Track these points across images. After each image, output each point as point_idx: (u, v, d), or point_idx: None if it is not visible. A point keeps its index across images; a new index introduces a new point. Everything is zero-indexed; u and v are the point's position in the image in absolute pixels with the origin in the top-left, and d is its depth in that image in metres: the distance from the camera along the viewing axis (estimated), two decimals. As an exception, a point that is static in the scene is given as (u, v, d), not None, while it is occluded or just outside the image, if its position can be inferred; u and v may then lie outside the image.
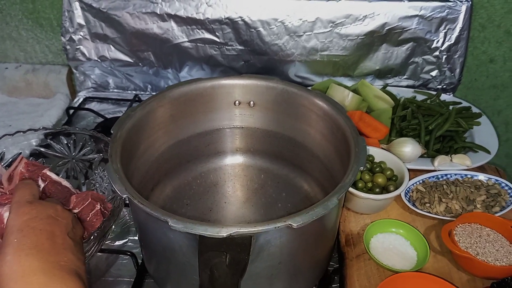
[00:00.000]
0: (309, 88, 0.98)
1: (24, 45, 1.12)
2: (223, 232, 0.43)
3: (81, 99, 1.11)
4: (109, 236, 0.73)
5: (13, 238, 0.43)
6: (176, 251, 0.52)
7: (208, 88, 0.71)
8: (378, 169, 0.74)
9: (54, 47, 1.13)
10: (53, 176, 0.66)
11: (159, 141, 0.69)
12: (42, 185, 0.65)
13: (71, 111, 1.05)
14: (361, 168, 0.54)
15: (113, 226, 0.68)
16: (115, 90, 1.14)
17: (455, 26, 0.95)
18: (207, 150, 0.77)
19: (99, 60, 1.07)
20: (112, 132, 0.59)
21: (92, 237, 0.54)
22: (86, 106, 1.09)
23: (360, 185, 0.72)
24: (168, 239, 0.51)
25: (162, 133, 0.69)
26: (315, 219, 0.46)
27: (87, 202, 0.61)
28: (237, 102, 0.73)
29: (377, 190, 0.71)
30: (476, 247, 0.63)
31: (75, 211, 0.60)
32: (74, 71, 1.11)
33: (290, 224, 0.45)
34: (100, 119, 1.03)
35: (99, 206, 0.62)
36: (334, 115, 0.64)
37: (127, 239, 0.74)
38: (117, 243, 0.74)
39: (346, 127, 0.61)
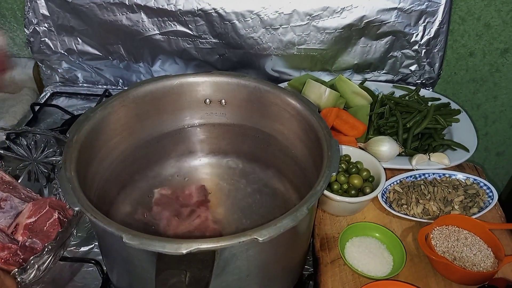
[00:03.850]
0: (286, 83, 0.95)
1: (-14, 37, 1.06)
2: (183, 249, 0.40)
3: (48, 94, 1.05)
4: (72, 243, 0.69)
5: None
6: (136, 265, 0.48)
7: (175, 86, 0.67)
8: (354, 169, 0.71)
9: (19, 39, 1.06)
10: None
11: (123, 143, 0.65)
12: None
13: (37, 108, 1.00)
14: (333, 173, 0.51)
15: (75, 232, 0.65)
16: (85, 85, 1.09)
17: (435, 19, 0.92)
18: (176, 151, 0.73)
19: (66, 54, 1.02)
20: (68, 135, 0.54)
21: (45, 251, 0.50)
22: (54, 102, 1.04)
23: (335, 187, 0.69)
24: (127, 253, 0.47)
25: (127, 134, 0.65)
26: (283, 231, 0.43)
27: (44, 211, 0.57)
28: (207, 100, 0.69)
29: (353, 192, 0.69)
30: (453, 251, 0.61)
31: (31, 220, 0.56)
32: (40, 64, 1.05)
33: (255, 238, 0.42)
34: (67, 116, 0.98)
35: (57, 215, 0.58)
36: (307, 115, 0.61)
37: (93, 245, 0.70)
38: (82, 249, 0.70)
39: (319, 128, 0.58)
